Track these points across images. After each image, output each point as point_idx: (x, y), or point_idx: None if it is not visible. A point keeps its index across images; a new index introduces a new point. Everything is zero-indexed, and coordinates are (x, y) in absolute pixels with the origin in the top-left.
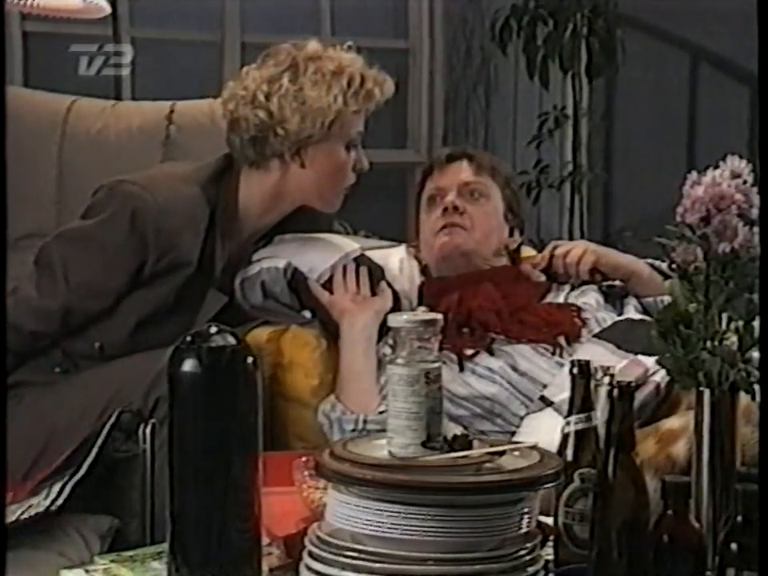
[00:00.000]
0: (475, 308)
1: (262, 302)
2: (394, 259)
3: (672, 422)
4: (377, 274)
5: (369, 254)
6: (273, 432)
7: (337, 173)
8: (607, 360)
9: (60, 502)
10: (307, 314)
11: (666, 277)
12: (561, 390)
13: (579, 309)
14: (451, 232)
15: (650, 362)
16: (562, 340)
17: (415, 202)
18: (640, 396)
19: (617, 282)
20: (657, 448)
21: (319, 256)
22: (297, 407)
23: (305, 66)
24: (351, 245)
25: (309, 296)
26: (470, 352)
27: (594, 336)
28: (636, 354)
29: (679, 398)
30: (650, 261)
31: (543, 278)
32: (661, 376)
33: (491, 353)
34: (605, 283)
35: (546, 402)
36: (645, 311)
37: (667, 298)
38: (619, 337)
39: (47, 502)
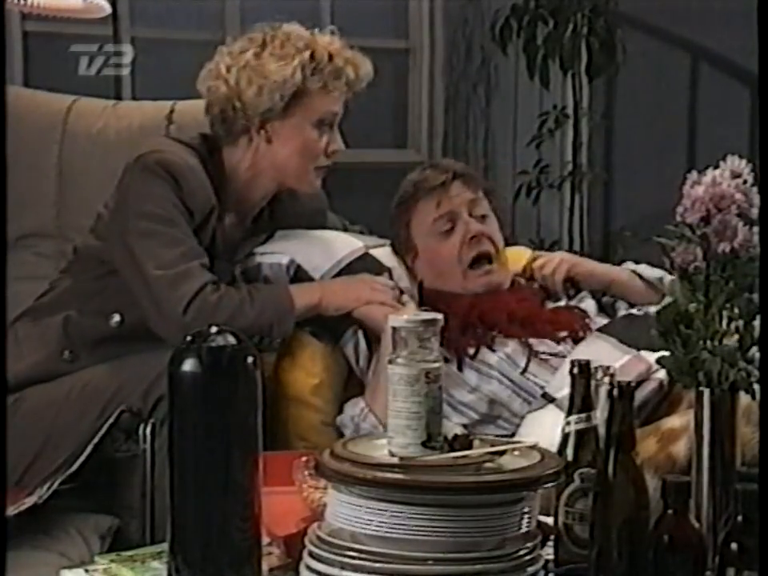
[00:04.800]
0: (487, 310)
1: None
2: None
3: (673, 421)
4: (382, 275)
5: (373, 252)
6: (274, 432)
7: (305, 150)
8: (610, 355)
9: (47, 495)
10: None
11: (649, 283)
12: (562, 386)
13: (584, 311)
14: (489, 270)
15: (652, 358)
16: (563, 333)
17: (403, 226)
18: (642, 393)
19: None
20: (657, 447)
21: (323, 255)
22: (298, 407)
23: (272, 42)
24: (355, 243)
25: None
26: (471, 351)
27: (597, 330)
28: (639, 349)
29: (680, 396)
30: (632, 267)
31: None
32: (663, 374)
33: (491, 349)
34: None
35: (548, 399)
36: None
37: (653, 310)
38: (622, 332)
39: (35, 498)
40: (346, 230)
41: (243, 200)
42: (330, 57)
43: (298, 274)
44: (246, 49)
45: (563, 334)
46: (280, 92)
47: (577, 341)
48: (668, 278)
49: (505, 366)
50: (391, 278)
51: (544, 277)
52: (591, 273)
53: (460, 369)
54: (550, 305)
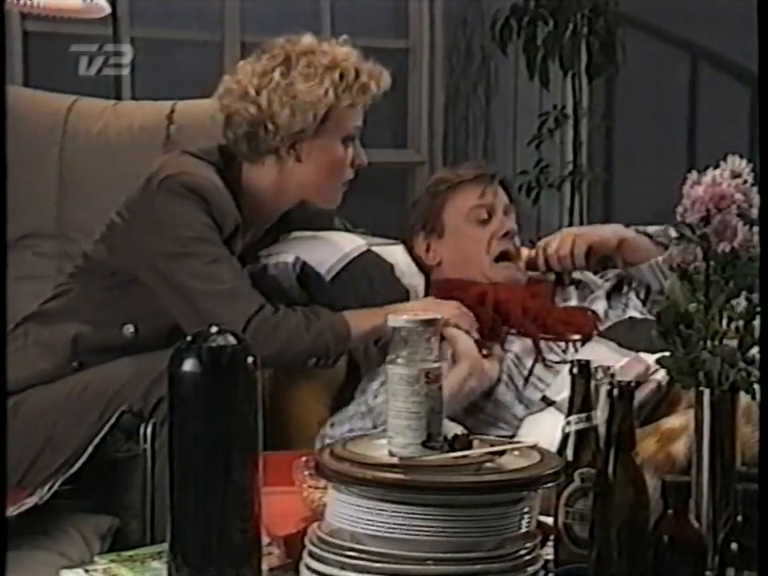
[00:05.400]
0: (503, 300)
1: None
2: (399, 255)
3: (672, 421)
4: (386, 271)
5: (375, 250)
6: (275, 432)
7: (335, 168)
8: (610, 359)
9: (47, 496)
10: None
11: (653, 238)
12: (562, 389)
13: (594, 312)
14: (510, 266)
15: (651, 360)
16: (575, 336)
17: (435, 207)
18: (641, 395)
19: (611, 273)
20: (657, 447)
21: (328, 251)
22: (298, 406)
23: (297, 60)
24: (358, 241)
25: (318, 291)
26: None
27: (597, 334)
28: (637, 351)
29: (679, 396)
30: (636, 227)
31: (552, 277)
32: (662, 375)
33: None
34: (607, 274)
35: (548, 402)
36: (645, 301)
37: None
38: (622, 335)
39: (36, 498)
40: (348, 231)
41: (262, 215)
42: (357, 74)
43: (304, 270)
44: (271, 68)
45: (575, 336)
46: (313, 112)
47: (584, 343)
48: (671, 229)
49: (512, 367)
50: (393, 272)
51: (561, 259)
52: (601, 239)
53: None
54: (561, 304)
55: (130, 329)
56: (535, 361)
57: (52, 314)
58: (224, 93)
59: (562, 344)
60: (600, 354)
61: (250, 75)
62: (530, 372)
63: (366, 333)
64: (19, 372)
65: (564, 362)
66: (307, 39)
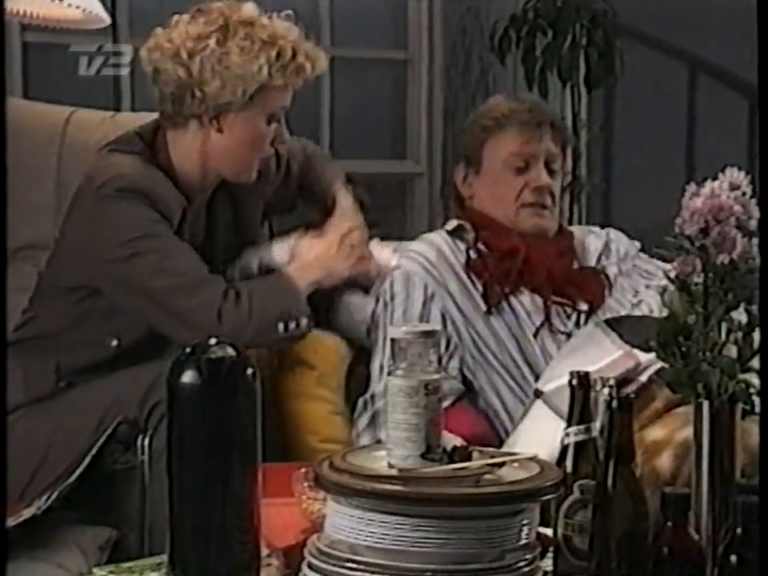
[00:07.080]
0: (532, 260)
1: None
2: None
3: (656, 433)
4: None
5: None
6: (285, 433)
7: (255, 144)
8: (606, 349)
9: (45, 507)
10: None
11: None
12: (551, 378)
13: (608, 277)
14: (541, 214)
15: (644, 358)
16: (585, 306)
17: (478, 143)
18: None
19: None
20: (641, 460)
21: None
22: (304, 401)
23: (235, 29)
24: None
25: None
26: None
27: (604, 321)
28: (634, 346)
29: (653, 393)
30: None
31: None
32: (647, 376)
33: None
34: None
35: (536, 393)
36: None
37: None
38: (626, 328)
39: (33, 509)
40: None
41: (196, 189)
42: (294, 54)
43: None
44: (207, 33)
45: (584, 306)
46: (243, 87)
47: (591, 314)
48: None
49: (517, 324)
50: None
51: None
52: None
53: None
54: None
55: (112, 341)
56: (542, 324)
57: (27, 343)
58: (154, 48)
59: (569, 313)
60: (598, 342)
61: (185, 36)
62: (536, 332)
63: (314, 281)
64: (9, 396)
65: (568, 335)
66: (248, 8)
